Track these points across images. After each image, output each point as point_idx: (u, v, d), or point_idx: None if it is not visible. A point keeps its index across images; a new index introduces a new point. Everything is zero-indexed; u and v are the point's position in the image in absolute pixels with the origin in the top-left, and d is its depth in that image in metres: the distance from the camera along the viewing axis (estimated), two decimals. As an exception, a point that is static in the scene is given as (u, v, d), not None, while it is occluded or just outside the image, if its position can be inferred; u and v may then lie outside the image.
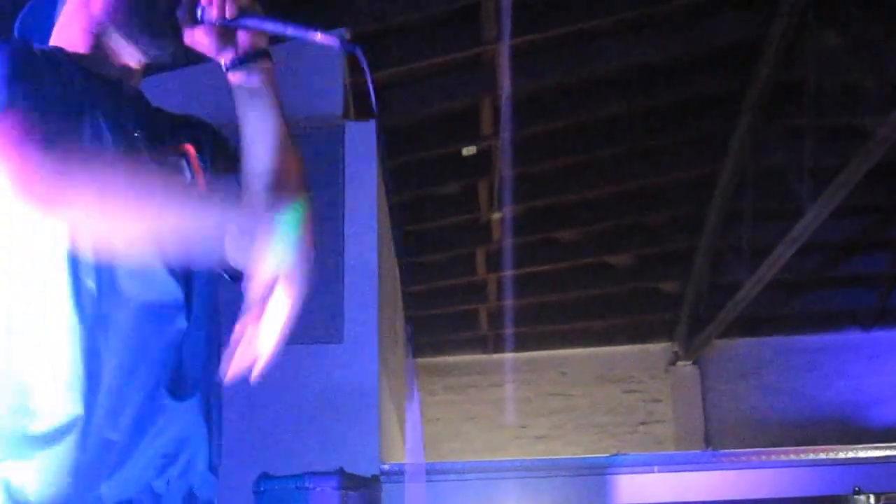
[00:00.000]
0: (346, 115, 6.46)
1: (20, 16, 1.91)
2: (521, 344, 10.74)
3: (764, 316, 10.69)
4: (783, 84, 7.82)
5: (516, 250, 9.19)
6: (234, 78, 1.83)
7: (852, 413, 10.66)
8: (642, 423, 11.24)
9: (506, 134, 7.62)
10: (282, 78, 6.08)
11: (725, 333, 10.55)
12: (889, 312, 10.70)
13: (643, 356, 11.40)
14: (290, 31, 1.76)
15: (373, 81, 1.84)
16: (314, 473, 5.67)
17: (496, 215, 8.89)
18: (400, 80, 7.23)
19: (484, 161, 8.21)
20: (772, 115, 8.15)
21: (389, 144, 6.98)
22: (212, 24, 1.75)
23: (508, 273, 9.58)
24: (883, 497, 6.10)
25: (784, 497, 6.23)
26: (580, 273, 10.28)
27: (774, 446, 7.43)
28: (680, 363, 11.28)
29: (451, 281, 10.18)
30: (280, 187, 1.83)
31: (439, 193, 8.87)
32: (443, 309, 10.62)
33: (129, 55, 1.86)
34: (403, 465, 6.71)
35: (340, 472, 5.66)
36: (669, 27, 7.37)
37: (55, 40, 1.85)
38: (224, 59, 1.81)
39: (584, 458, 7.08)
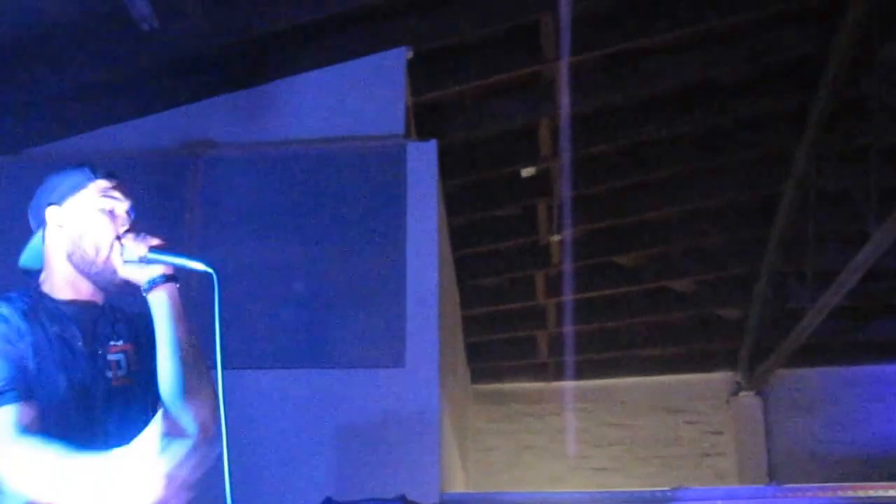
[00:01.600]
0: (407, 135, 6.49)
1: (22, 254, 2.61)
2: (580, 372, 10.67)
3: (829, 344, 10.52)
4: (847, 101, 7.73)
5: (575, 274, 9.16)
6: (150, 296, 2.46)
7: (923, 446, 10.46)
8: (705, 455, 11.10)
9: (565, 154, 7.59)
10: (345, 98, 6.03)
11: (789, 363, 10.38)
12: (959, 340, 10.49)
13: (704, 386, 11.27)
14: (179, 261, 2.46)
15: (220, 304, 2.42)
16: (376, 499, 5.62)
17: (555, 238, 8.85)
18: (459, 100, 7.29)
19: (543, 182, 8.20)
20: (835, 134, 8.04)
21: (448, 165, 6.98)
22: (133, 262, 2.45)
23: (567, 298, 9.52)
24: (954, 532, 5.93)
25: (852, 533, 6.09)
26: (640, 298, 10.22)
27: (841, 480, 7.28)
28: (742, 393, 11.15)
29: (510, 305, 10.14)
30: (189, 388, 2.42)
31: (498, 215, 8.88)
32: (501, 334, 10.59)
33: (87, 287, 2.52)
34: (464, 494, 6.65)
35: (402, 499, 5.61)
36: (730, 44, 7.32)
37: (44, 275, 2.55)
38: (143, 285, 2.46)
39: (646, 490, 6.95)
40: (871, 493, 6.52)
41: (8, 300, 2.42)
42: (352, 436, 5.92)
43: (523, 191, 8.39)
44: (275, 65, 6.39)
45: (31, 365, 2.31)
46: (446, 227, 7.61)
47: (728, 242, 9.83)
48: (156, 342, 2.46)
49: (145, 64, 5.72)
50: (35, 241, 2.57)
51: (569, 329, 9.82)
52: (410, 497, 5.85)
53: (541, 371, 11.02)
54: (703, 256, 9.85)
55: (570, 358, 10.20)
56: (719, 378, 11.26)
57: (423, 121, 6.94)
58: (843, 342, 10.72)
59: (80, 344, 2.42)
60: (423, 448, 6.16)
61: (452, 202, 7.77)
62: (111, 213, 2.50)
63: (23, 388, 2.26)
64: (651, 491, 6.88)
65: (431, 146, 6.49)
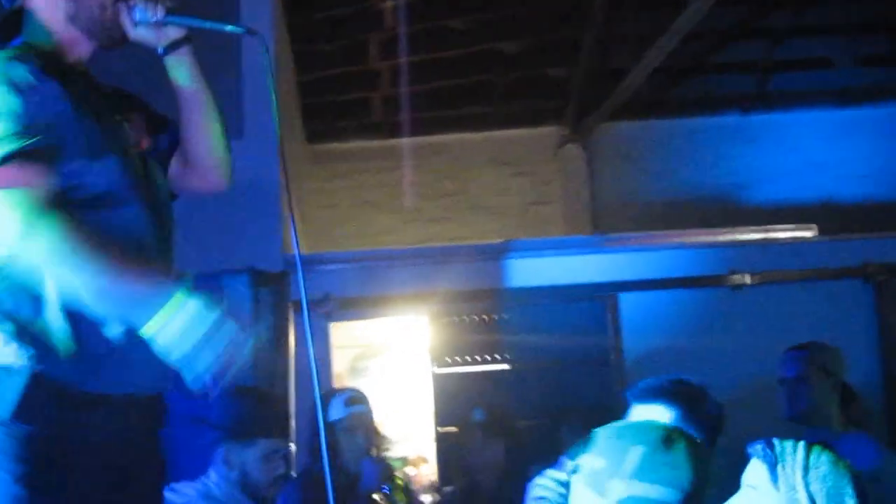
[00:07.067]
0: None
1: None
2: (414, 129, 10.75)
3: (649, 101, 10.88)
4: None
5: (409, 38, 9.17)
6: (168, 61, 2.53)
7: (732, 194, 11.01)
8: (532, 205, 11.45)
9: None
10: None
11: (613, 117, 10.75)
12: (766, 97, 11.02)
13: (533, 140, 11.51)
14: (206, 25, 2.48)
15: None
16: (224, 272, 5.75)
17: (389, 3, 8.81)
18: None
19: (376, -52, 8.09)
20: None
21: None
22: (148, 24, 2.41)
23: (401, 60, 9.56)
24: (757, 276, 6.60)
25: (666, 278, 6.65)
26: (471, 60, 10.28)
27: (658, 229, 7.79)
28: (568, 146, 11.41)
29: (345, 69, 10.11)
30: (210, 135, 2.68)
31: (331, -18, 8.76)
32: (337, 96, 10.57)
33: (85, 46, 2.43)
34: (307, 255, 6.83)
35: (250, 269, 5.77)
36: None
37: (25, 31, 2.37)
38: (159, 47, 2.51)
39: (478, 244, 7.30)
40: (685, 239, 7.12)
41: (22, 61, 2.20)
42: (192, 209, 6.01)
43: (356, -43, 8.29)
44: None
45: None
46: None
47: (554, 6, 9.89)
48: (150, 114, 2.60)
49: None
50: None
51: (402, 91, 9.88)
52: (256, 265, 6.05)
53: (376, 130, 11.07)
54: (531, 20, 9.93)
55: (404, 116, 10.29)
56: (547, 132, 11.51)
57: None
58: (662, 98, 11.11)
59: (88, 107, 2.31)
60: (265, 217, 6.33)
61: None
62: None
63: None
64: (484, 244, 7.26)
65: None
